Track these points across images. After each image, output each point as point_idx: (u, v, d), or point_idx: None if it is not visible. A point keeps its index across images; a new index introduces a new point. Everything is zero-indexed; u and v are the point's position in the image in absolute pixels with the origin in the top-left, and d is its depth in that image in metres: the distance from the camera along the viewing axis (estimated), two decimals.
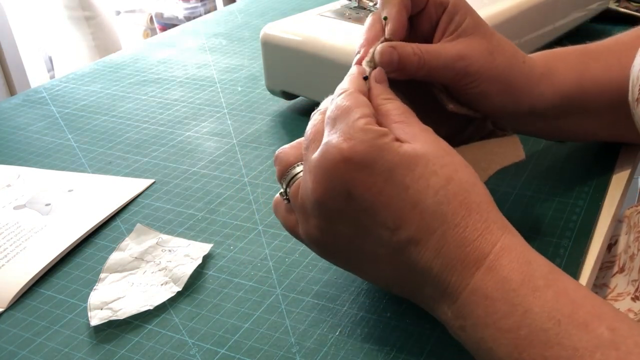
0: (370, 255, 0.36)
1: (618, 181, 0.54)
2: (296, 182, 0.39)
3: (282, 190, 0.40)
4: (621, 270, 0.49)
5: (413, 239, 0.34)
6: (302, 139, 0.40)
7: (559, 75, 0.49)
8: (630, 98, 0.47)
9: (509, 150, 0.44)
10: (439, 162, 0.35)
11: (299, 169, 0.39)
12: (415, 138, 0.36)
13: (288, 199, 0.40)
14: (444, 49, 0.43)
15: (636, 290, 0.45)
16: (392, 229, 0.34)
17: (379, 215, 0.34)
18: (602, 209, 0.50)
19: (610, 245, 0.52)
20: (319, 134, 0.37)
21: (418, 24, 0.45)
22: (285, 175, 0.40)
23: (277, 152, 0.41)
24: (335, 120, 0.36)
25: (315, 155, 0.36)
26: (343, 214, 0.35)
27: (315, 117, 0.39)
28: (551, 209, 0.50)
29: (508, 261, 0.33)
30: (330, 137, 0.36)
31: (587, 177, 0.54)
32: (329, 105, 0.39)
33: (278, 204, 0.42)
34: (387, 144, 0.35)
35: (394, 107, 0.38)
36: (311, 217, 0.37)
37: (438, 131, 0.38)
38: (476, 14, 0.45)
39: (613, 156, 0.57)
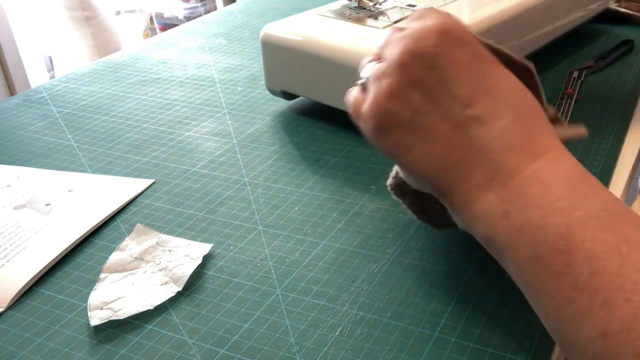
0: (431, 130, 0.36)
1: (618, 181, 0.54)
2: (377, 65, 0.40)
3: (362, 81, 0.41)
4: None
5: (481, 118, 0.35)
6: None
7: None
8: None
9: (570, 130, 0.43)
10: (513, 76, 0.37)
11: (373, 62, 0.40)
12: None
13: (363, 81, 0.41)
14: None
15: None
16: (463, 104, 0.36)
17: (455, 88, 0.36)
18: None
19: None
20: (396, 32, 0.39)
21: None
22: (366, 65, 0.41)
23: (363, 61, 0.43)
24: (424, 14, 0.39)
25: (413, 26, 0.38)
26: (420, 80, 0.36)
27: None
28: None
29: (568, 160, 0.34)
30: (424, 18, 0.38)
31: None
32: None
33: (351, 92, 0.42)
34: (478, 38, 0.38)
35: None
36: (387, 77, 0.37)
37: None
38: None
39: (613, 156, 0.57)
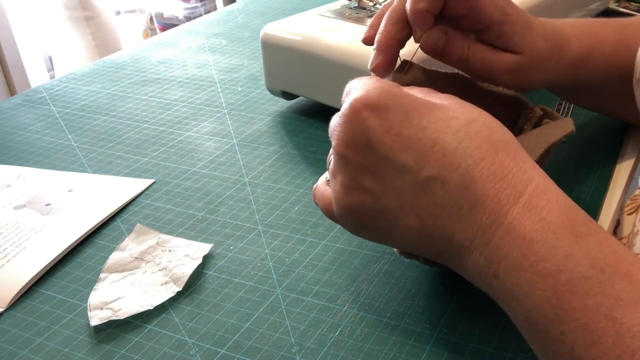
0: (396, 209, 0.34)
1: (618, 181, 0.54)
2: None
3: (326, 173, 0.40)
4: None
5: (437, 177, 0.33)
6: None
7: (590, 65, 0.50)
8: (634, 79, 0.48)
9: (558, 127, 0.41)
10: (460, 110, 0.34)
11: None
12: (432, 96, 0.36)
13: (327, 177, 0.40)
14: (494, 62, 0.44)
15: None
16: (414, 169, 0.33)
17: (399, 157, 0.33)
18: (603, 208, 0.50)
19: (615, 229, 0.52)
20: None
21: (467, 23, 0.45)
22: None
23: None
24: (350, 89, 0.37)
25: (338, 113, 0.36)
26: (365, 166, 0.34)
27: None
28: None
29: (545, 202, 0.31)
30: (351, 96, 0.36)
31: (587, 176, 0.54)
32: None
33: (318, 187, 0.41)
34: (402, 92, 0.35)
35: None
36: (337, 174, 0.36)
37: None
38: (520, 24, 0.45)
39: (614, 155, 0.57)
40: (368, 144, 0.34)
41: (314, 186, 0.42)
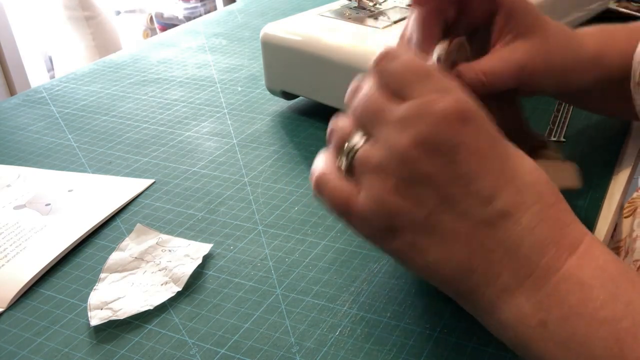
0: (447, 232, 0.31)
1: (618, 181, 0.54)
2: (366, 145, 0.33)
3: (342, 162, 0.34)
4: (626, 254, 0.49)
5: (507, 211, 0.31)
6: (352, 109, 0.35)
7: (610, 54, 0.49)
8: (632, 82, 0.48)
9: (565, 175, 0.39)
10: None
11: (358, 137, 0.34)
12: None
13: (348, 168, 0.34)
14: (504, 63, 0.43)
15: (636, 269, 0.45)
16: (486, 199, 0.31)
17: (475, 183, 0.31)
18: (603, 209, 0.50)
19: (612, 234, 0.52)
20: (384, 99, 0.33)
21: (469, 20, 0.44)
22: (348, 141, 0.34)
23: (333, 120, 0.36)
24: (413, 78, 0.33)
25: (411, 107, 0.32)
26: (434, 178, 0.31)
27: (365, 88, 0.34)
28: None
29: (600, 252, 0.31)
30: (422, 94, 0.32)
31: (587, 176, 0.54)
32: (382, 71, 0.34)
33: (326, 175, 0.35)
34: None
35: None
36: (390, 178, 0.32)
37: None
38: (532, 8, 0.45)
39: (614, 156, 0.57)
40: (452, 159, 0.31)
41: (315, 175, 0.36)
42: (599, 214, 0.50)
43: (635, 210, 0.51)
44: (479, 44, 0.46)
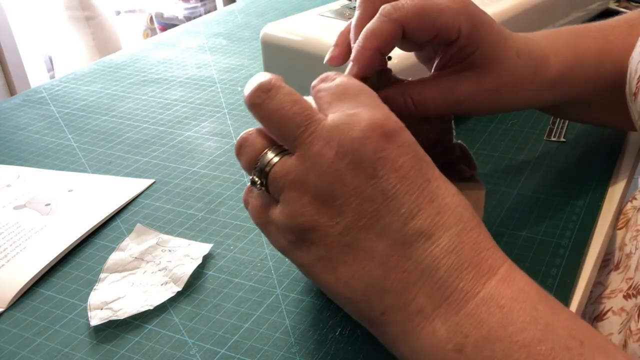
0: (362, 249, 0.31)
1: (618, 181, 0.54)
2: (283, 159, 0.33)
3: (253, 177, 0.35)
4: (616, 267, 0.49)
5: (426, 231, 0.30)
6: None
7: (572, 80, 0.48)
8: (627, 90, 0.47)
9: (469, 201, 0.40)
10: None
11: (272, 153, 0.34)
12: None
13: (261, 184, 0.34)
14: (441, 94, 0.42)
15: (629, 288, 0.45)
16: (405, 217, 0.30)
17: (396, 200, 0.30)
18: (602, 209, 0.50)
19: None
20: (311, 111, 0.33)
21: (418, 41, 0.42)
22: (260, 159, 0.34)
23: (241, 136, 0.36)
24: (344, 94, 0.33)
25: (336, 120, 0.31)
26: (354, 192, 0.30)
27: (276, 99, 0.33)
28: (551, 209, 0.50)
29: (520, 275, 0.31)
30: (350, 108, 0.32)
31: (587, 177, 0.54)
32: (319, 88, 0.35)
33: (247, 195, 0.37)
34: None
35: None
36: (308, 194, 0.31)
37: None
38: (494, 38, 0.42)
39: (613, 156, 0.57)
40: (373, 174, 0.30)
41: (245, 190, 0.37)
42: (599, 214, 0.50)
43: (627, 222, 0.51)
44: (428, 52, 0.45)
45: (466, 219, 0.31)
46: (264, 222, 0.35)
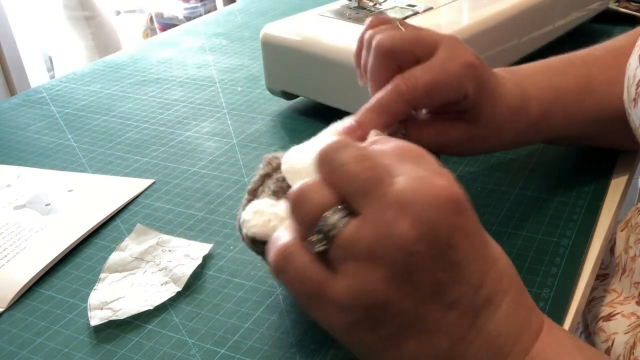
0: (434, 322, 0.29)
1: (618, 181, 0.54)
2: (353, 223, 0.29)
3: (315, 237, 0.30)
4: (623, 271, 0.49)
5: (492, 299, 0.30)
6: (321, 175, 0.31)
7: (552, 120, 0.50)
8: (625, 98, 0.47)
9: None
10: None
11: (340, 214, 0.29)
12: None
13: (325, 245, 0.29)
14: (435, 138, 0.45)
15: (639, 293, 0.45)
16: (475, 286, 0.29)
17: (467, 269, 0.29)
18: (602, 209, 0.50)
19: (612, 247, 0.52)
20: (382, 169, 0.30)
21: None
22: (323, 218, 0.30)
23: (301, 187, 0.31)
24: (404, 156, 0.31)
25: (407, 185, 0.29)
26: (432, 265, 0.28)
27: (347, 153, 0.30)
28: (551, 209, 0.50)
29: (558, 329, 0.32)
30: (415, 172, 0.30)
31: (587, 177, 0.54)
32: (372, 141, 0.34)
33: (293, 252, 0.30)
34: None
35: None
36: (381, 267, 0.28)
37: None
38: (489, 96, 0.45)
39: (613, 156, 0.57)
40: (448, 245, 0.28)
41: (277, 249, 0.31)
42: (599, 214, 0.50)
43: (628, 222, 0.51)
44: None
45: (517, 281, 0.32)
46: (316, 297, 0.30)
